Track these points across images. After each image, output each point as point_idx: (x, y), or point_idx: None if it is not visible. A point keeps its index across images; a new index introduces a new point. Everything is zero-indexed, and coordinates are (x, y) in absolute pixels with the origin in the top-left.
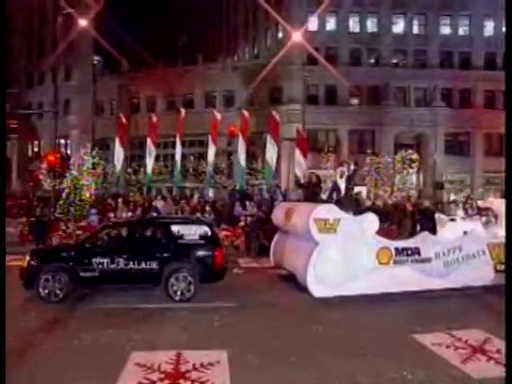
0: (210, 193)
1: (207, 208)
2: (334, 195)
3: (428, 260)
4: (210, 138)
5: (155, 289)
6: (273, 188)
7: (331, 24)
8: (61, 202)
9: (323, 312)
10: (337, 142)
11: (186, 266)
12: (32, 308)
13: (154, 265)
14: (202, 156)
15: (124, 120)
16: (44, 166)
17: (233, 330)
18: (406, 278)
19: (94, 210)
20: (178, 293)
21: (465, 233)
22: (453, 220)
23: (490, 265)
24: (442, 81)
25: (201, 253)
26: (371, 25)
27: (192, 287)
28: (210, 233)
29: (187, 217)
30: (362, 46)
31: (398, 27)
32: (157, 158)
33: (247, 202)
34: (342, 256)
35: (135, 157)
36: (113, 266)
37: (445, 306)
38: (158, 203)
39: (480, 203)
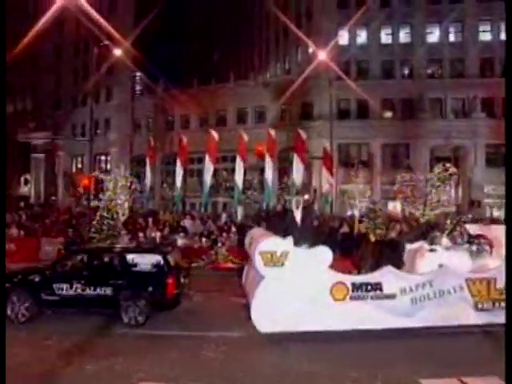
0: (240, 210)
1: (233, 229)
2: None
3: (392, 296)
4: (237, 158)
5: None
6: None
7: (362, 37)
8: (94, 222)
9: (297, 348)
10: (369, 157)
11: (138, 293)
12: (54, 331)
13: (109, 291)
14: (235, 171)
15: (152, 142)
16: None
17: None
18: (365, 316)
19: (124, 231)
20: (130, 318)
21: (440, 266)
22: (432, 250)
23: (469, 302)
24: (482, 90)
25: (153, 281)
26: (404, 36)
27: (144, 314)
28: (162, 262)
29: (143, 245)
30: (394, 57)
31: (433, 36)
32: (191, 173)
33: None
34: (290, 291)
35: (170, 172)
36: (71, 291)
37: (455, 345)
38: (187, 222)
39: (472, 230)
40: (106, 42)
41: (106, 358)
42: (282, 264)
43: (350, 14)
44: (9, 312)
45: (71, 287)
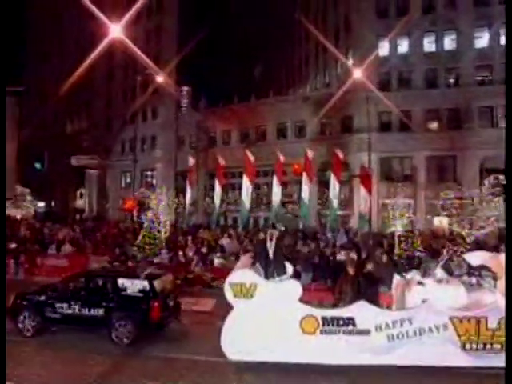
0: (277, 227)
1: None
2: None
3: (366, 332)
4: (274, 177)
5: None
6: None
7: (403, 47)
8: (138, 241)
9: None
10: (413, 170)
11: (126, 315)
12: (99, 350)
13: (101, 312)
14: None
15: (192, 159)
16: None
17: None
18: (336, 350)
19: (164, 250)
20: (120, 338)
21: (424, 301)
22: (420, 283)
23: (455, 343)
24: None
25: (139, 305)
26: (449, 42)
27: (131, 334)
28: (148, 287)
29: (132, 271)
30: (438, 66)
31: (482, 41)
32: (233, 187)
33: (309, 241)
34: (258, 322)
35: (214, 186)
36: (70, 311)
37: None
38: (224, 241)
39: (476, 259)
40: (149, 71)
41: (150, 381)
42: (251, 296)
43: (391, 23)
44: (19, 326)
45: (70, 307)
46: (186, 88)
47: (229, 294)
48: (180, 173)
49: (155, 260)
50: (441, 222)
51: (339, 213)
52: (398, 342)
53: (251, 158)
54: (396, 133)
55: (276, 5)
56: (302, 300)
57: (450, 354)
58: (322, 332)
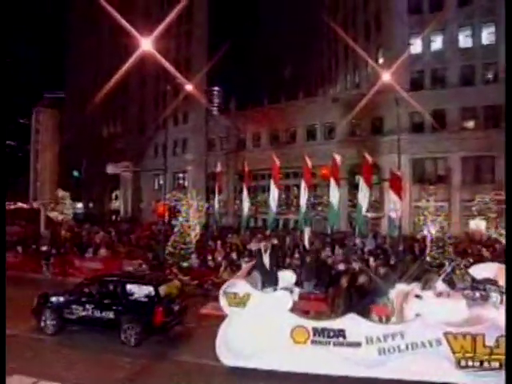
0: (306, 232)
1: (296, 255)
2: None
3: (356, 344)
4: (302, 182)
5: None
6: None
7: (437, 43)
8: (169, 245)
9: None
10: (447, 172)
11: (134, 318)
12: (127, 353)
13: (111, 315)
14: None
15: (219, 164)
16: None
17: None
18: (326, 362)
19: (194, 254)
20: (127, 340)
21: (418, 315)
22: (418, 297)
23: (450, 359)
24: None
25: (144, 309)
26: (487, 36)
27: (137, 337)
28: (153, 292)
29: (140, 277)
30: (475, 61)
31: None
32: (263, 189)
33: (337, 247)
34: (250, 331)
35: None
36: (84, 312)
37: None
38: (253, 246)
39: (479, 272)
40: (179, 80)
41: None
42: (244, 305)
43: (424, 19)
44: (42, 324)
45: (84, 309)
46: (216, 88)
47: (223, 303)
48: (211, 175)
49: (185, 264)
50: (477, 225)
51: (370, 215)
52: (390, 355)
53: (277, 162)
54: (429, 133)
55: (305, 6)
56: (300, 309)
57: (443, 370)
58: (312, 342)
